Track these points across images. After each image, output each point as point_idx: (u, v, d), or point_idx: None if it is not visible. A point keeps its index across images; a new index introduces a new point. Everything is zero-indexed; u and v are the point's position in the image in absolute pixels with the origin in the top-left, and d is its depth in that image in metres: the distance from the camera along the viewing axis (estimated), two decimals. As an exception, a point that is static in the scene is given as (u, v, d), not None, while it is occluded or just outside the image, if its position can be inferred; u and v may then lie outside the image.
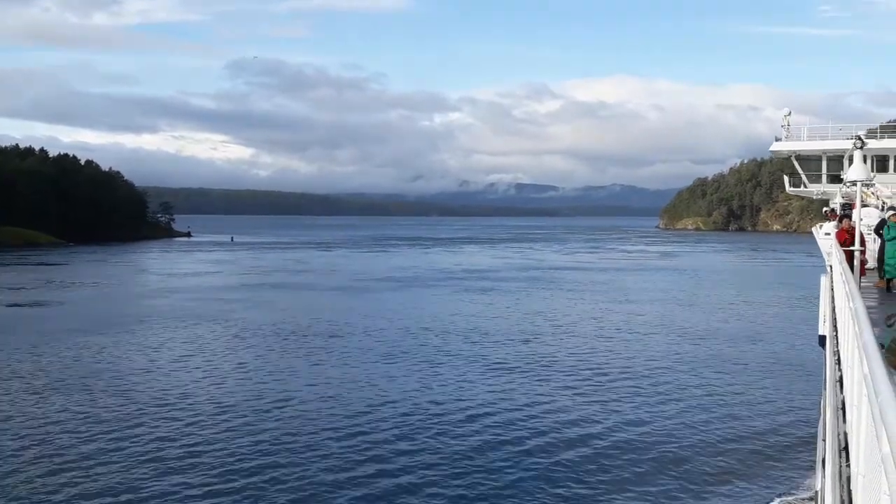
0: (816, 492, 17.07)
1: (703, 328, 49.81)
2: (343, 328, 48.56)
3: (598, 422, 28.08)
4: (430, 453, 24.07)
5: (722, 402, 31.43)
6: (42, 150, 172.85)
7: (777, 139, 36.11)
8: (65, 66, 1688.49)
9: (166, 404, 29.32)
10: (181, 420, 27.28)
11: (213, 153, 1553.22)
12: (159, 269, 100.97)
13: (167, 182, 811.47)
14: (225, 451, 24.14)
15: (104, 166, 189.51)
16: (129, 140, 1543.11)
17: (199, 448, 24.49)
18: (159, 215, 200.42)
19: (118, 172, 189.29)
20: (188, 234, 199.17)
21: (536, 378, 34.57)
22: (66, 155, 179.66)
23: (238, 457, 23.68)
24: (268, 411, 28.90)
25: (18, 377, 33.94)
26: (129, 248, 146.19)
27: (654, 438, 26.06)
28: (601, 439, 25.93)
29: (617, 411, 29.63)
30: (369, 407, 29.37)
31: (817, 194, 36.68)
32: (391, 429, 26.47)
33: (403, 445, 24.97)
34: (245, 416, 28.13)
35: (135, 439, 25.22)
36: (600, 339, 45.37)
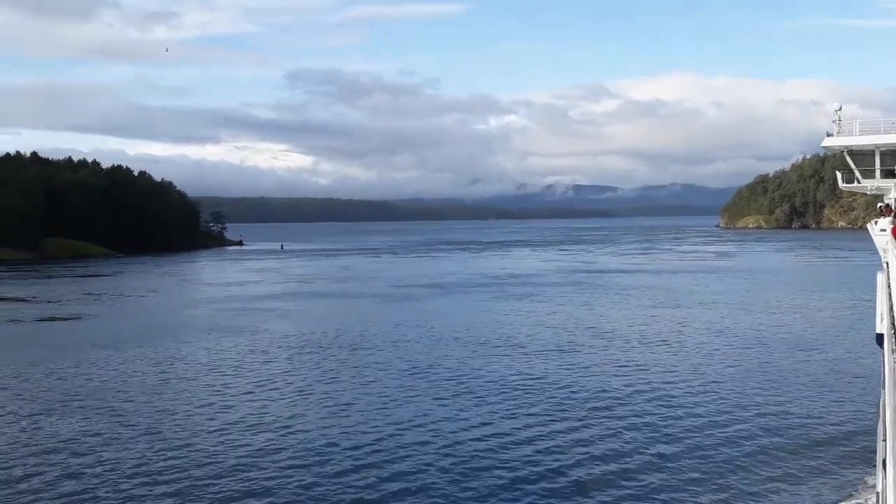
0: (878, 493, 16.94)
1: (756, 330, 46.35)
2: (374, 337, 46.44)
3: (655, 427, 26.57)
4: (480, 467, 22.14)
5: (778, 404, 29.46)
6: (94, 163, 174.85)
7: (828, 134, 33.37)
8: (128, 81, 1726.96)
9: (201, 417, 27.51)
10: (225, 432, 25.85)
11: (274, 162, 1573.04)
12: (202, 279, 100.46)
13: (230, 192, 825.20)
14: (272, 461, 23.52)
15: (170, 178, 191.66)
16: (193, 151, 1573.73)
17: (252, 459, 23.59)
18: (211, 224, 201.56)
19: (170, 183, 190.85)
20: (240, 243, 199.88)
21: (583, 388, 31.92)
22: (119, 167, 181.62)
23: (286, 466, 22.98)
24: (313, 420, 27.85)
25: (46, 391, 32.45)
26: (179, 257, 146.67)
27: (714, 441, 25.16)
28: (662, 443, 24.95)
29: (673, 416, 27.76)
30: (394, 423, 27.27)
31: (871, 190, 33.73)
32: (433, 440, 24.31)
33: (451, 460, 23.41)
34: (289, 426, 27.02)
35: (186, 448, 24.44)
36: (646, 344, 42.33)
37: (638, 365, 36.86)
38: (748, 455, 23.71)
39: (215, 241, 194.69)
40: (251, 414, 28.84)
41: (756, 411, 28.57)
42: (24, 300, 72.26)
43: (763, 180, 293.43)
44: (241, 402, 30.85)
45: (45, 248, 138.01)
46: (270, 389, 33.01)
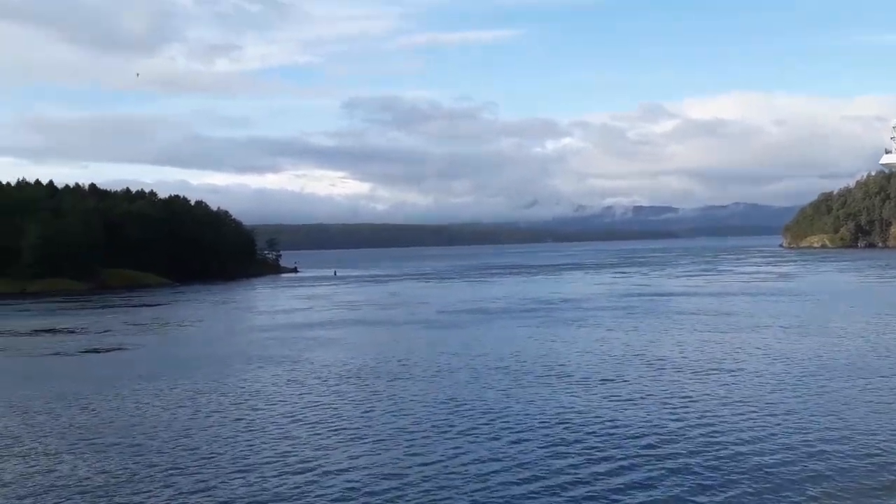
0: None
1: (818, 356, 43.47)
2: (413, 367, 44.71)
3: (712, 467, 24.12)
4: None
5: (846, 438, 26.71)
6: (152, 193, 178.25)
7: (887, 151, 30.92)
8: (190, 112, 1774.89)
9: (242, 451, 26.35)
10: (252, 470, 24.23)
11: (332, 189, 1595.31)
12: (250, 306, 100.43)
13: (289, 219, 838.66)
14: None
15: (231, 206, 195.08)
16: (253, 180, 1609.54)
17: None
18: (266, 252, 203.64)
19: (226, 212, 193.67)
20: (295, 270, 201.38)
21: (630, 423, 29.70)
22: (176, 196, 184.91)
23: None
24: (342, 458, 26.10)
25: (71, 427, 31.65)
26: (232, 285, 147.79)
27: (774, 484, 22.50)
28: (719, 487, 22.36)
29: (729, 454, 25.32)
30: (425, 462, 25.49)
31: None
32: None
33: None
34: (316, 467, 25.09)
35: (205, 491, 22.62)
36: (699, 373, 39.77)
37: (691, 396, 34.49)
38: (814, 499, 21.59)
39: (270, 269, 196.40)
40: (279, 452, 27.37)
41: (821, 447, 26.03)
42: (70, 331, 72.60)
43: (827, 198, 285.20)
44: (270, 438, 29.39)
45: (102, 278, 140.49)
46: (302, 424, 31.54)
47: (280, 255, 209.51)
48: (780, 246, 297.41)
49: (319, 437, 29.42)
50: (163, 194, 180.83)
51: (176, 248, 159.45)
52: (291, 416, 32.85)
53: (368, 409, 33.85)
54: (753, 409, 31.70)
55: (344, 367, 45.61)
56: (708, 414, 31.11)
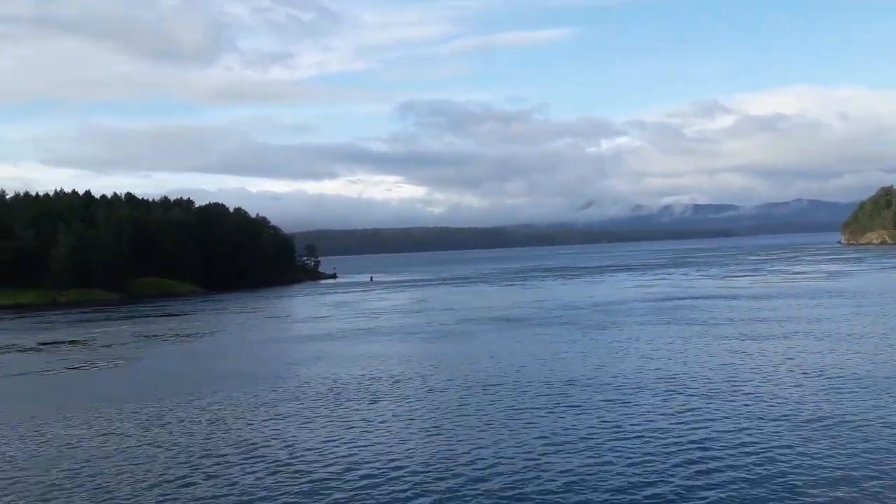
0: None
1: (847, 375, 38.54)
2: (422, 379, 41.33)
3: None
4: None
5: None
6: (188, 201, 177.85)
7: None
8: (248, 121, 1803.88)
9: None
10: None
11: (389, 194, 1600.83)
12: (274, 314, 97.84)
13: (346, 224, 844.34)
14: None
15: (290, 213, 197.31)
16: (311, 187, 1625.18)
17: None
18: (304, 258, 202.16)
19: (264, 218, 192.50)
20: (334, 276, 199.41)
21: (649, 439, 25.73)
22: (214, 204, 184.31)
23: None
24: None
25: (63, 448, 28.81)
26: (265, 293, 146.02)
27: None
28: None
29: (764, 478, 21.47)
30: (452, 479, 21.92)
31: None
32: None
33: None
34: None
35: None
36: (720, 388, 35.37)
37: (688, 419, 30.23)
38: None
39: (309, 275, 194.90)
40: (260, 484, 24.23)
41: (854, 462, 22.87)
42: (75, 344, 70.85)
43: (887, 193, 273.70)
44: (253, 466, 26.26)
45: (133, 287, 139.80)
46: (292, 448, 28.32)
47: (319, 261, 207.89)
48: (839, 243, 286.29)
49: (306, 467, 25.90)
50: (223, 202, 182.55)
51: (211, 256, 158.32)
52: (280, 440, 29.37)
53: (378, 436, 30.23)
54: (755, 438, 27.22)
55: (344, 383, 41.98)
56: (735, 432, 27.05)
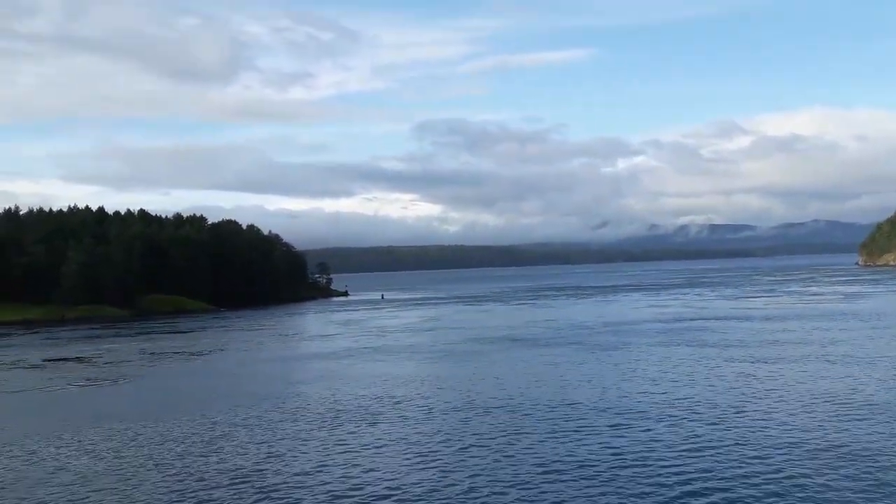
0: None
1: (868, 395, 37.34)
2: (416, 399, 40.43)
3: None
4: None
5: None
6: (201, 217, 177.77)
7: None
8: (266, 139, 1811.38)
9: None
10: None
11: (405, 212, 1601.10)
12: (279, 333, 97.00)
13: (364, 242, 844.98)
14: None
15: (306, 230, 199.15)
16: (327, 205, 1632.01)
17: None
18: (316, 276, 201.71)
19: (277, 235, 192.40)
20: (345, 293, 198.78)
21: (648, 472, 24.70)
22: (227, 221, 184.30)
23: None
24: None
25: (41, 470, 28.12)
26: (276, 310, 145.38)
27: None
28: None
29: None
30: None
31: None
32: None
33: None
34: None
35: None
36: (721, 414, 34.22)
37: (718, 443, 29.18)
38: None
39: (320, 292, 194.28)
40: None
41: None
42: (86, 359, 70.44)
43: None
44: (242, 491, 25.50)
45: (143, 304, 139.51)
46: (283, 473, 27.50)
47: (331, 279, 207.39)
48: (856, 264, 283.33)
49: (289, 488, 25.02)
50: (240, 219, 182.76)
51: (222, 272, 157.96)
52: (261, 463, 28.56)
53: (370, 465, 29.36)
54: (761, 468, 26.09)
55: (339, 406, 41.00)
56: (733, 466, 25.94)
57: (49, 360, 71.41)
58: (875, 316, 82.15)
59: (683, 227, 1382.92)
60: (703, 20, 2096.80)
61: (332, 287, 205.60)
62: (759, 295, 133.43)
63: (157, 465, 29.53)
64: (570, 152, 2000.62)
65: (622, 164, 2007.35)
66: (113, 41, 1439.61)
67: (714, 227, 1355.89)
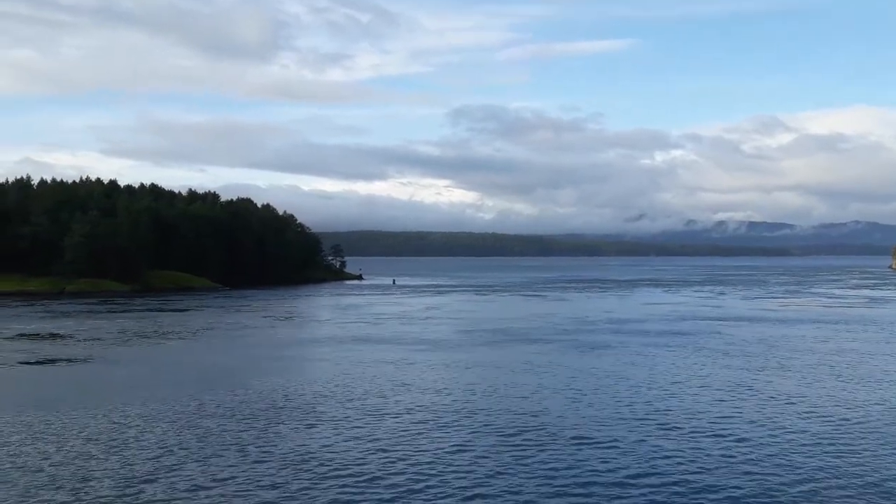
0: None
1: (880, 412, 32.84)
2: (383, 396, 36.60)
3: None
4: None
5: None
6: (214, 195, 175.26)
7: None
8: (303, 120, 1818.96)
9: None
10: None
11: (439, 197, 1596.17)
12: (273, 314, 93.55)
13: (395, 226, 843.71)
14: None
15: (340, 212, 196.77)
16: (361, 187, 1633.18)
17: None
18: (330, 258, 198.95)
19: (291, 215, 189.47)
20: (359, 277, 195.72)
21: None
22: (242, 199, 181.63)
23: None
24: None
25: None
26: (284, 291, 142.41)
27: None
28: None
29: None
30: None
31: None
32: None
33: None
34: None
35: None
36: (724, 428, 29.99)
37: (714, 459, 25.29)
38: None
39: (334, 275, 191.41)
40: None
41: None
42: (60, 335, 67.53)
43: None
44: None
45: (148, 280, 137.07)
46: (234, 467, 23.99)
47: (344, 262, 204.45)
48: (889, 267, 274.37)
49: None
50: (275, 199, 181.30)
51: (233, 251, 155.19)
52: (220, 457, 24.79)
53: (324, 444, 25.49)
54: (757, 490, 21.80)
55: (309, 396, 37.59)
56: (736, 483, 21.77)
57: (21, 336, 68.61)
58: (892, 324, 76.66)
59: (721, 223, 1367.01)
60: (749, 15, 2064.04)
61: (346, 270, 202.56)
62: (781, 295, 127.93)
63: (93, 454, 25.87)
64: (607, 143, 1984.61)
65: (660, 157, 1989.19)
66: (152, 15, 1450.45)
67: (752, 225, 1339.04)
